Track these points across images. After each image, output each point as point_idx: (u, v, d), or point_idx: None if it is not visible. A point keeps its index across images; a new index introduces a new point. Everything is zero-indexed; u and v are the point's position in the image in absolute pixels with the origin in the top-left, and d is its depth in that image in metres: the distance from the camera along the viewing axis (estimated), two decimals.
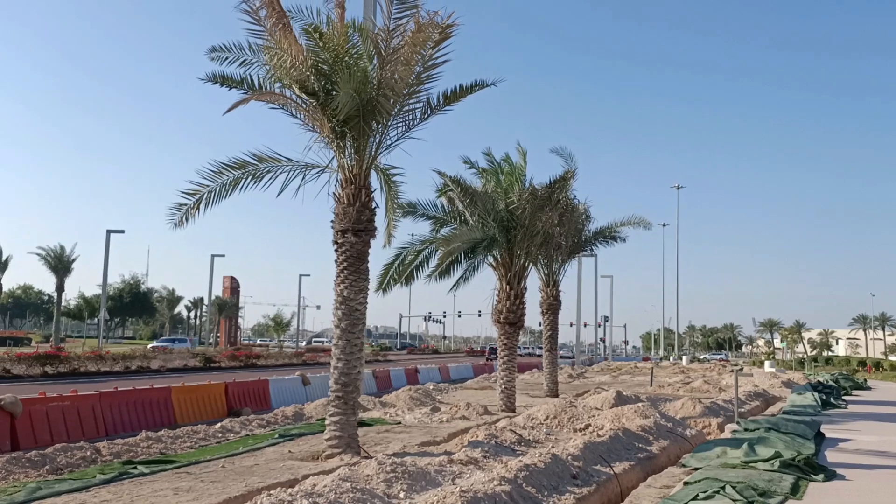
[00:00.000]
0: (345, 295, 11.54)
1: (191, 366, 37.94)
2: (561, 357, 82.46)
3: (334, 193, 11.86)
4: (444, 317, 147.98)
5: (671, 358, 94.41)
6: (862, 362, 66.50)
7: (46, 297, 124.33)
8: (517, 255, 19.95)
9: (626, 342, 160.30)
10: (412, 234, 20.37)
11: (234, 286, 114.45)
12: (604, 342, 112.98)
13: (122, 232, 53.53)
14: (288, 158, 12.31)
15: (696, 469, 9.98)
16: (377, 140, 11.80)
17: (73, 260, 62.53)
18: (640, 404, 15.44)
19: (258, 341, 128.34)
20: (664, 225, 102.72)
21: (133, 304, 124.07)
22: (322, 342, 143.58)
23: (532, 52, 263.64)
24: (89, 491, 8.48)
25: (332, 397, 11.53)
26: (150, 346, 61.03)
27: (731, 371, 47.91)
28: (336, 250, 11.72)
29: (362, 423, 15.05)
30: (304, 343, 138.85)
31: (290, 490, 7.33)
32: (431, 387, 27.13)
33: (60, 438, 12.24)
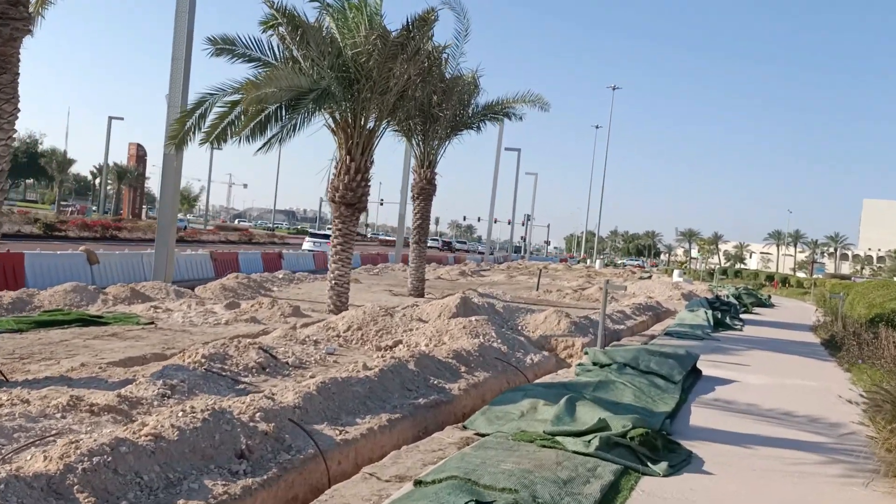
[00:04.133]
0: None
1: (25, 232, 32.78)
2: (469, 252, 79.91)
3: None
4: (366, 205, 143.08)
5: (588, 261, 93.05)
6: (770, 277, 65.78)
7: None
8: (361, 117, 15.62)
9: (547, 242, 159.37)
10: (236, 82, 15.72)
11: (140, 154, 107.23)
12: (524, 240, 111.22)
13: None
14: None
15: (483, 436, 6.29)
16: None
17: None
18: (475, 318, 11.74)
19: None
20: (597, 127, 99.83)
21: (30, 165, 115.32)
22: (243, 222, 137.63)
23: None
24: None
25: None
26: None
27: (631, 277, 45.51)
28: None
29: (95, 321, 10.92)
30: (219, 219, 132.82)
31: None
32: (281, 275, 23.16)
33: None
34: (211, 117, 14.56)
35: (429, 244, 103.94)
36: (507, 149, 76.15)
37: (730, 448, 6.63)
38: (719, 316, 19.83)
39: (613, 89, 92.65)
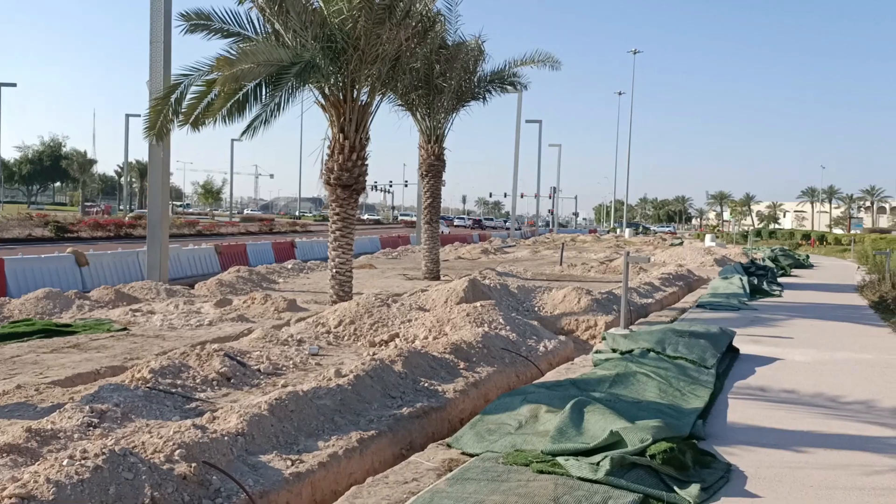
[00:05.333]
0: None
1: (36, 236, 32.17)
2: (495, 228, 78.54)
3: None
4: (391, 186, 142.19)
5: (617, 231, 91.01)
6: (806, 235, 63.51)
7: None
8: (353, 90, 14.39)
9: (576, 214, 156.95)
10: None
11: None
12: (551, 214, 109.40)
13: None
14: None
15: (473, 455, 5.11)
16: None
17: None
18: (481, 304, 10.51)
19: (190, 209, 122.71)
20: (620, 93, 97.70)
21: (54, 168, 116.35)
22: (265, 214, 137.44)
23: None
24: None
25: None
26: None
27: (661, 244, 43.65)
28: None
29: (61, 331, 9.91)
30: (246, 211, 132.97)
31: None
32: (290, 265, 22.13)
33: None
34: (188, 99, 13.44)
35: (456, 223, 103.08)
36: (527, 121, 74.57)
37: (778, 454, 5.36)
38: (755, 282, 18.40)
39: (634, 53, 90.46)
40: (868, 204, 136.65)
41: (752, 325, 12.07)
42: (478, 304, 10.41)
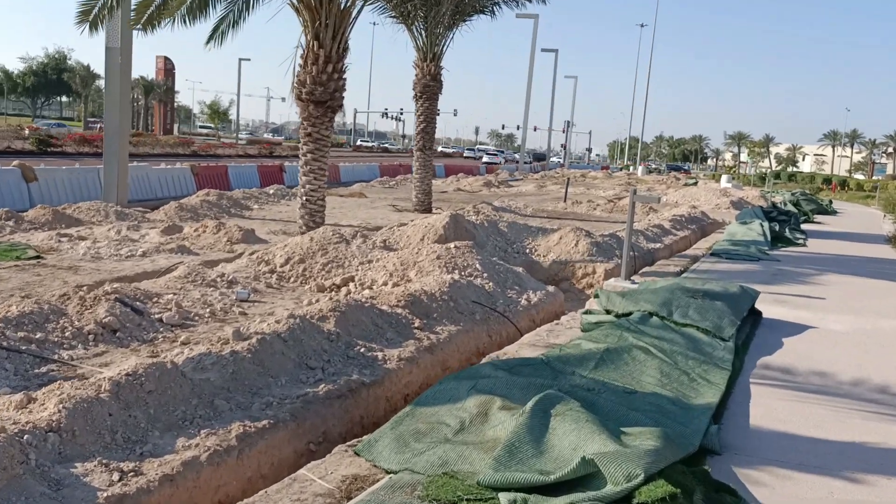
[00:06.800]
0: None
1: (15, 148, 30.50)
2: (506, 161, 76.17)
3: None
4: (402, 114, 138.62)
5: (630, 168, 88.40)
6: (827, 180, 61.11)
7: None
8: None
9: (589, 150, 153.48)
10: None
11: (167, 67, 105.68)
12: (565, 148, 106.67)
13: None
14: None
15: (387, 472, 3.55)
16: None
17: None
18: (455, 245, 8.84)
19: (199, 129, 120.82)
20: (642, 25, 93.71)
21: (59, 81, 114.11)
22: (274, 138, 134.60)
23: None
24: None
25: None
26: None
27: (675, 184, 41.44)
28: None
29: None
30: (246, 134, 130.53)
31: None
32: (272, 190, 20.44)
33: None
34: None
35: (466, 154, 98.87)
36: (543, 49, 71.52)
37: (826, 486, 3.78)
38: (777, 228, 16.64)
39: None
40: (891, 150, 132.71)
41: (776, 280, 10.41)
42: (452, 245, 8.76)
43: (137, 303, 6.29)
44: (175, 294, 6.95)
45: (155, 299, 6.62)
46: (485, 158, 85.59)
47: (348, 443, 4.05)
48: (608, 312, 6.61)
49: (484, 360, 5.47)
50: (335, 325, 5.72)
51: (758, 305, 7.71)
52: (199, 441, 3.88)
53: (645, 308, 6.40)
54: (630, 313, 6.42)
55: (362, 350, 5.57)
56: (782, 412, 4.84)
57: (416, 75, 19.11)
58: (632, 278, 8.98)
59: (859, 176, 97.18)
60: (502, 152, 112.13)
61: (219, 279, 7.69)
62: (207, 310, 6.70)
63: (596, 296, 7.12)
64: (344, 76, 13.12)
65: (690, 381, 4.95)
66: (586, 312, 6.82)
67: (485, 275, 8.21)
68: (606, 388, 4.53)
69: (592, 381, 4.60)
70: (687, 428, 4.01)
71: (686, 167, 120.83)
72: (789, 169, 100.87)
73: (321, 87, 12.77)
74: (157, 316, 6.22)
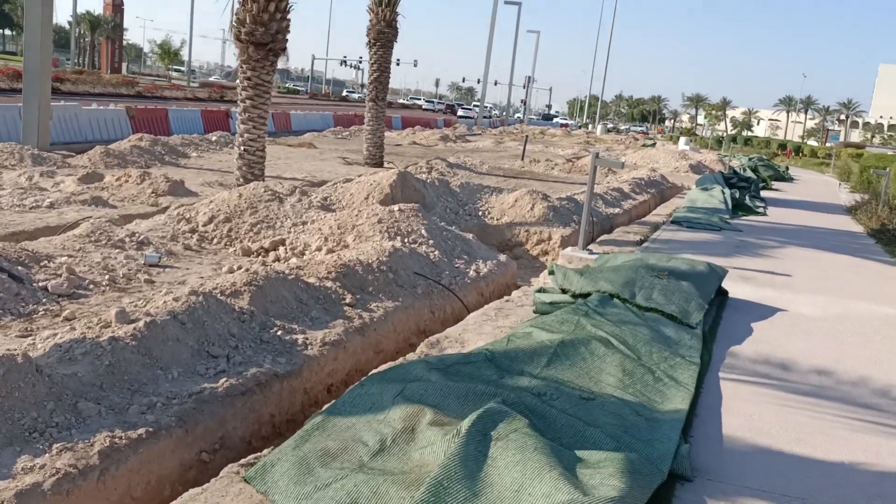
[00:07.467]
0: None
1: None
2: (462, 117, 74.71)
3: None
4: (361, 62, 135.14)
5: (589, 126, 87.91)
6: (782, 145, 61.42)
7: None
8: None
9: (548, 106, 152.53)
10: None
11: (116, 2, 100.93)
12: (524, 104, 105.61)
13: None
14: None
15: None
16: None
17: None
18: (399, 208, 8.02)
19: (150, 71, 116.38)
20: None
21: (2, 14, 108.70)
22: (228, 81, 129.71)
23: None
24: None
25: None
26: None
27: (633, 144, 40.88)
28: None
29: None
30: (211, 78, 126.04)
31: None
32: (214, 137, 19.30)
33: None
34: None
35: (425, 107, 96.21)
36: (506, 2, 69.80)
37: None
38: (737, 195, 16.20)
39: None
40: (843, 117, 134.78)
41: (739, 252, 9.87)
42: (396, 208, 7.94)
43: (19, 266, 5.38)
44: (71, 256, 6.04)
45: (44, 262, 5.71)
46: (460, 112, 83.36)
47: (242, 460, 3.28)
48: (564, 292, 5.92)
49: (417, 352, 4.73)
50: (249, 303, 4.91)
51: (723, 283, 7.12)
52: (47, 460, 3.07)
53: (605, 289, 5.71)
54: (588, 294, 5.73)
55: (280, 333, 4.78)
56: (758, 419, 4.22)
57: (371, 20, 18.00)
58: (590, 247, 8.31)
59: (812, 142, 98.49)
60: (486, 107, 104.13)
61: (128, 239, 6.78)
62: (107, 276, 5.81)
63: (551, 272, 6.41)
64: (288, 16, 12.06)
65: (656, 382, 4.29)
66: (540, 290, 6.11)
67: (430, 242, 7.44)
68: (560, 392, 3.84)
69: (544, 384, 3.90)
70: (654, 449, 3.34)
71: (645, 128, 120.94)
72: (744, 133, 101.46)
73: (262, 27, 11.70)
74: (41, 284, 5.33)
